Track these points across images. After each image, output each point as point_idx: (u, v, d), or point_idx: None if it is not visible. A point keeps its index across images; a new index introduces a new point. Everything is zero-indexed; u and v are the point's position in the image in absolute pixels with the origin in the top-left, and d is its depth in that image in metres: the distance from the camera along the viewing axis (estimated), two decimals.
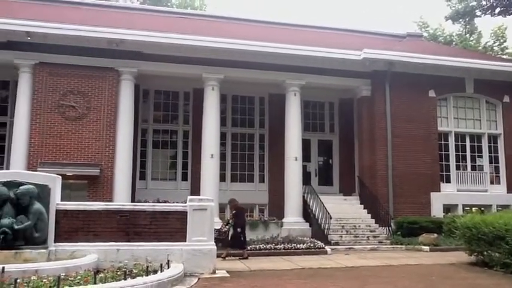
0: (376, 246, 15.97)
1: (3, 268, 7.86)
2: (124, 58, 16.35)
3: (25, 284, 7.17)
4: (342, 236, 16.66)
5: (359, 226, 17.25)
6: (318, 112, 20.74)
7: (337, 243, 15.99)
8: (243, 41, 17.08)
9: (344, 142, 20.50)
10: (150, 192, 17.65)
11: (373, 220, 17.61)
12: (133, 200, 16.19)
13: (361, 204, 18.53)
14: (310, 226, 17.29)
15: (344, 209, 17.98)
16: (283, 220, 17.51)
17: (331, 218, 16.52)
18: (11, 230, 8.98)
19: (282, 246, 14.50)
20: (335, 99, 20.67)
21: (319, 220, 16.95)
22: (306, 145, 19.40)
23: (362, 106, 19.30)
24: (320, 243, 14.93)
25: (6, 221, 9.03)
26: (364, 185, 18.58)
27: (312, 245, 14.76)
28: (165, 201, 15.15)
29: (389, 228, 17.14)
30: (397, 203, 18.03)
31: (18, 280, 7.13)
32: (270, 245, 14.49)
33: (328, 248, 14.77)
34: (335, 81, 18.49)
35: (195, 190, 17.06)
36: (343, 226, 17.10)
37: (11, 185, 9.31)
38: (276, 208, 18.27)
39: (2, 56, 15.54)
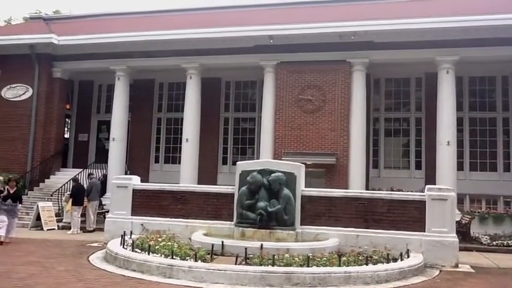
0: None
1: (261, 245, 9.20)
2: (355, 49, 16.69)
3: (280, 260, 8.26)
4: None
5: None
6: None
7: None
8: (480, 16, 15.58)
9: None
10: (383, 180, 17.74)
11: None
12: (367, 188, 16.54)
13: None
14: None
15: None
16: None
17: None
18: (266, 212, 10.39)
19: None
20: None
21: None
22: None
23: None
24: None
25: (261, 204, 10.48)
26: None
27: None
28: (398, 190, 15.03)
29: None
30: None
31: (275, 256, 8.28)
32: None
33: None
34: None
35: (430, 179, 16.44)
36: None
37: (264, 172, 10.73)
38: None
39: (251, 59, 17.65)
